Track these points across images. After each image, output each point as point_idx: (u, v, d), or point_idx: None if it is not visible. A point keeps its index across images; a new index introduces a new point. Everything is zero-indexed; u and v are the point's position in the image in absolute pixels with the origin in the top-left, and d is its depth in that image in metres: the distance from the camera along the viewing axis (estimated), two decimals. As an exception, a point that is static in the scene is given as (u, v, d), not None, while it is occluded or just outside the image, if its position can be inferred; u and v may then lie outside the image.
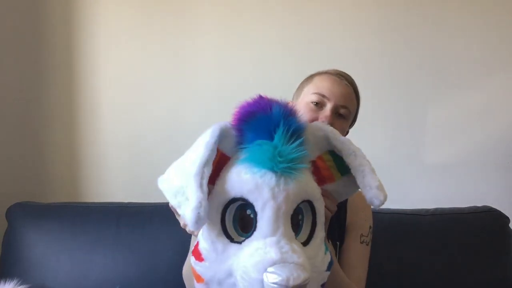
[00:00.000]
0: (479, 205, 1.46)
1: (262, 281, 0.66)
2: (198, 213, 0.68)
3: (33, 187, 1.76)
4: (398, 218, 1.41)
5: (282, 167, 0.73)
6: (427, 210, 1.45)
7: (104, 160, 1.77)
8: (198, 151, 0.74)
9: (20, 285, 1.33)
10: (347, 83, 1.13)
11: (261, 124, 0.76)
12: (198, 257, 0.77)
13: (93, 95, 1.75)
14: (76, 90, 1.75)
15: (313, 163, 0.83)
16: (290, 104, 0.80)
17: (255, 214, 0.73)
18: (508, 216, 1.41)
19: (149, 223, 1.42)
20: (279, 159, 0.73)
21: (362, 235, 1.14)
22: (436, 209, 1.45)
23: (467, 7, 1.66)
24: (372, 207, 0.95)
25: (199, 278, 0.78)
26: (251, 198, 0.73)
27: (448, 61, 1.68)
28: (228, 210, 0.74)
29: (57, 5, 1.72)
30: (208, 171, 0.72)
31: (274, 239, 0.70)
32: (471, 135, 1.69)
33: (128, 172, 1.77)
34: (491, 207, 1.44)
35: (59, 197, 1.72)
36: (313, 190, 0.78)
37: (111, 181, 1.77)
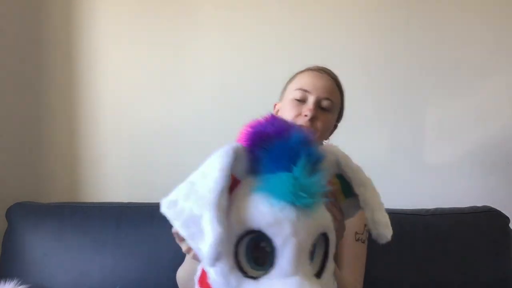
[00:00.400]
0: (479, 205, 1.46)
1: None
2: (218, 250, 0.63)
3: (33, 187, 1.75)
4: (398, 218, 1.40)
5: (304, 202, 0.68)
6: (427, 210, 1.45)
7: (104, 160, 1.77)
8: (213, 176, 0.67)
9: (20, 285, 1.33)
10: (328, 76, 1.17)
11: (279, 152, 0.71)
12: None
13: (93, 95, 1.75)
14: (76, 90, 1.75)
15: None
16: (307, 129, 0.83)
17: (273, 248, 0.68)
18: (508, 216, 1.41)
19: (149, 223, 1.42)
20: (301, 193, 0.68)
21: (356, 233, 1.15)
22: (436, 209, 1.45)
23: (467, 7, 1.66)
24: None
25: None
26: (269, 233, 0.68)
27: (448, 61, 1.68)
28: (241, 242, 0.69)
29: (57, 5, 1.72)
30: (225, 201, 0.67)
31: (296, 280, 0.66)
32: (471, 135, 1.69)
33: (128, 172, 1.77)
34: (491, 207, 1.44)
35: (59, 197, 1.72)
36: (329, 222, 0.74)
37: (111, 181, 1.77)
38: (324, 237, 0.73)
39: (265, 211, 0.68)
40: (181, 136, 1.73)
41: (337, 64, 1.70)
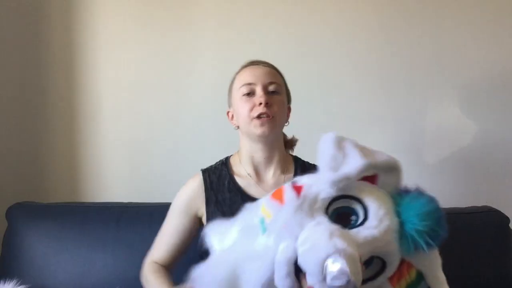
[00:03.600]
0: (479, 205, 1.46)
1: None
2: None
3: (33, 187, 1.75)
4: (398, 218, 1.41)
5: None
6: (427, 210, 1.45)
7: (104, 160, 1.77)
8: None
9: (20, 285, 1.33)
10: (264, 65, 1.22)
11: None
12: None
13: (93, 95, 1.75)
14: (76, 90, 1.75)
15: (401, 261, 0.84)
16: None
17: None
18: (508, 216, 1.41)
19: (149, 223, 1.42)
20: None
21: None
22: (436, 209, 1.45)
23: (467, 8, 1.66)
24: None
25: None
26: (369, 206, 0.80)
27: (448, 61, 1.68)
28: (335, 202, 0.81)
29: (57, 5, 1.72)
30: None
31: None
32: (471, 135, 1.69)
33: (128, 172, 1.77)
34: (491, 207, 1.44)
35: (59, 197, 1.72)
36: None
37: (111, 181, 1.77)
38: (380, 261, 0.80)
39: None
40: (181, 136, 1.73)
41: (337, 64, 1.71)
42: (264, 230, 0.82)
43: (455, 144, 1.69)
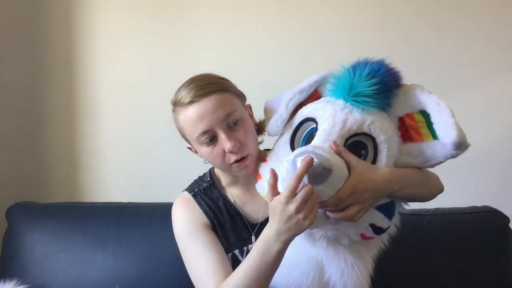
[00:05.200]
0: (479, 205, 1.46)
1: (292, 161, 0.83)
2: (277, 120, 0.98)
3: (33, 187, 1.76)
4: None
5: (351, 99, 0.90)
6: (427, 210, 1.45)
7: (104, 160, 1.77)
8: (303, 83, 1.01)
9: (20, 285, 1.33)
10: (203, 95, 0.99)
11: (355, 64, 0.97)
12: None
13: (93, 95, 1.75)
14: (76, 90, 1.75)
15: (400, 119, 0.94)
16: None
17: (317, 130, 0.91)
18: (508, 216, 1.41)
19: (149, 223, 1.42)
20: (352, 91, 0.90)
21: None
22: (436, 209, 1.45)
23: (467, 8, 1.66)
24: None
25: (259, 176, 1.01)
26: (317, 116, 0.92)
27: (448, 62, 1.68)
28: (301, 128, 0.96)
29: (57, 6, 1.72)
30: (299, 97, 0.99)
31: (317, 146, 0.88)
32: (471, 135, 1.68)
33: (128, 172, 1.77)
34: (491, 207, 1.44)
35: (59, 197, 1.72)
36: (379, 129, 0.90)
37: (111, 181, 1.77)
38: (374, 144, 0.91)
39: (321, 104, 0.95)
40: (181, 136, 1.72)
41: (336, 64, 1.71)
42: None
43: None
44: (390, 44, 1.69)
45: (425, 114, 0.91)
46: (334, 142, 0.89)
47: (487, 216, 1.41)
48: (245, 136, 1.01)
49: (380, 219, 0.92)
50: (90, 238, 1.42)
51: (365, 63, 0.94)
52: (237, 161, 1.01)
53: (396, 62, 1.68)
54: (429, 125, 0.90)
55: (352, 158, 0.89)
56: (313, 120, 0.94)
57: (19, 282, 1.34)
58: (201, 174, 1.21)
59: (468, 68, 1.67)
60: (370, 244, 0.98)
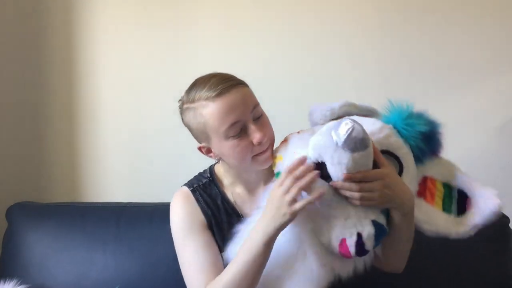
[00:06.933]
0: (479, 205, 1.46)
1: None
2: (327, 110, 1.01)
3: (33, 187, 1.76)
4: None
5: (404, 122, 0.99)
6: (427, 210, 1.45)
7: (104, 160, 1.77)
8: None
9: (20, 285, 1.33)
10: (236, 86, 1.00)
11: None
12: None
13: (93, 95, 1.75)
14: (76, 90, 1.75)
15: (424, 179, 0.99)
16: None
17: None
18: (508, 216, 1.41)
19: (149, 223, 1.42)
20: (407, 119, 0.99)
21: None
22: (436, 209, 1.45)
23: (467, 7, 1.66)
24: None
25: None
26: (363, 123, 0.89)
27: (448, 62, 1.68)
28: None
29: (57, 6, 1.72)
30: (353, 111, 1.01)
31: None
32: (471, 135, 1.69)
33: (128, 172, 1.77)
34: (491, 207, 1.43)
35: (59, 197, 1.72)
36: (410, 162, 0.96)
37: (111, 181, 1.77)
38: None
39: None
40: (181, 136, 1.72)
41: (337, 64, 1.71)
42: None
43: (455, 144, 1.68)
44: (390, 44, 1.69)
45: (446, 187, 0.98)
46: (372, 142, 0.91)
47: (487, 216, 1.41)
48: (267, 128, 1.03)
49: (382, 221, 0.93)
50: (90, 238, 1.42)
51: (422, 112, 1.01)
52: (261, 154, 1.02)
53: (396, 62, 1.70)
54: (445, 197, 0.98)
55: (385, 160, 0.92)
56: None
57: (19, 282, 1.34)
58: (202, 171, 1.21)
59: (467, 69, 1.67)
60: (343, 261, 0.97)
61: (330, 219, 0.90)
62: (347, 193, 0.88)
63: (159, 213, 1.42)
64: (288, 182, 0.89)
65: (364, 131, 0.83)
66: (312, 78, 1.70)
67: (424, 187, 0.99)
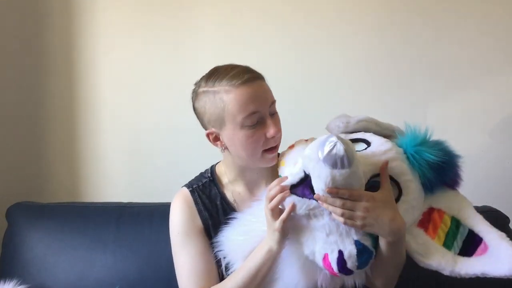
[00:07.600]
0: (479, 205, 1.45)
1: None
2: (341, 122, 1.02)
3: (33, 187, 1.76)
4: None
5: (413, 148, 0.95)
6: (427, 210, 1.44)
7: (104, 160, 1.77)
8: None
9: (20, 285, 1.33)
10: (257, 79, 1.03)
11: None
12: None
13: (93, 95, 1.75)
14: (76, 90, 1.75)
15: (430, 209, 0.96)
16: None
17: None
18: (508, 216, 1.41)
19: (149, 223, 1.42)
20: (417, 146, 0.95)
21: None
22: (436, 209, 1.45)
23: (467, 8, 1.66)
24: None
25: None
26: (373, 140, 0.98)
27: (448, 61, 1.68)
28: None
29: (57, 6, 1.72)
30: (371, 128, 1.02)
31: None
32: (471, 135, 1.69)
33: (128, 172, 1.77)
34: (491, 207, 1.43)
35: (59, 197, 1.72)
36: (412, 191, 0.93)
37: (111, 181, 1.78)
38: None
39: None
40: (181, 136, 1.73)
41: (338, 63, 1.71)
42: None
43: (454, 144, 1.68)
44: (390, 44, 1.69)
45: (454, 222, 0.95)
46: (385, 160, 0.91)
47: (487, 216, 1.40)
48: (280, 126, 1.04)
49: (367, 242, 0.91)
50: (90, 238, 1.42)
51: (441, 141, 0.97)
52: (270, 150, 1.03)
53: (396, 61, 1.70)
54: (449, 232, 0.94)
55: (387, 181, 0.91)
56: (366, 142, 0.96)
57: (19, 282, 1.34)
58: (203, 171, 1.21)
59: (468, 68, 1.67)
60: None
61: (314, 232, 0.92)
62: (330, 208, 0.88)
63: (159, 213, 1.42)
64: (267, 202, 0.94)
65: (348, 151, 0.82)
66: (310, 80, 1.71)
67: (428, 218, 0.96)
